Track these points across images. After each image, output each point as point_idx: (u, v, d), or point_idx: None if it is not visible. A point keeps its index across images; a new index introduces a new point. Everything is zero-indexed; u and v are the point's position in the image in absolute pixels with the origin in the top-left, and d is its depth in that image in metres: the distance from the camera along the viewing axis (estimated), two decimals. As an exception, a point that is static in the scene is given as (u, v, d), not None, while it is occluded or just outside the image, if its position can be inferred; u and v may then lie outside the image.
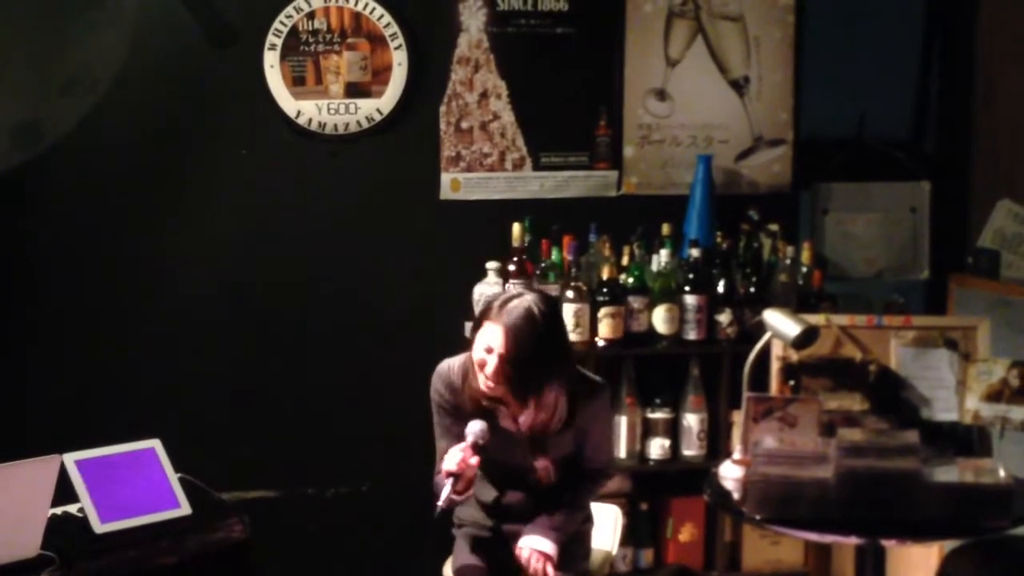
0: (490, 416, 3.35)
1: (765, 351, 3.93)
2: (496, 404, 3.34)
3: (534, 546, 3.35)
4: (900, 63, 5.12)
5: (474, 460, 3.26)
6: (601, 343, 4.37)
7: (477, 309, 3.66)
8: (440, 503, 3.24)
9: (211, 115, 4.44)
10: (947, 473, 3.40)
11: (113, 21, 4.30)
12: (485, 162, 4.61)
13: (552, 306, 3.34)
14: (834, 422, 3.74)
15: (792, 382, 3.92)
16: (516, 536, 3.46)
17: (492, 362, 3.23)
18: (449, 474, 3.24)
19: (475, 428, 3.29)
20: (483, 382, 3.27)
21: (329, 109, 4.46)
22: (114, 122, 4.35)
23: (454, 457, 3.25)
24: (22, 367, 4.35)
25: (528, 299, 3.26)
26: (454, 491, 3.23)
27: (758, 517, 3.42)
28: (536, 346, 3.22)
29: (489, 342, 3.23)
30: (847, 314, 4.07)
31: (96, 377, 4.38)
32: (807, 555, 4.60)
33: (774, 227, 4.67)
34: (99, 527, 3.16)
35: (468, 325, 3.89)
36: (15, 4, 4.23)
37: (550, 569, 3.32)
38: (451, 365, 3.42)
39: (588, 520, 3.60)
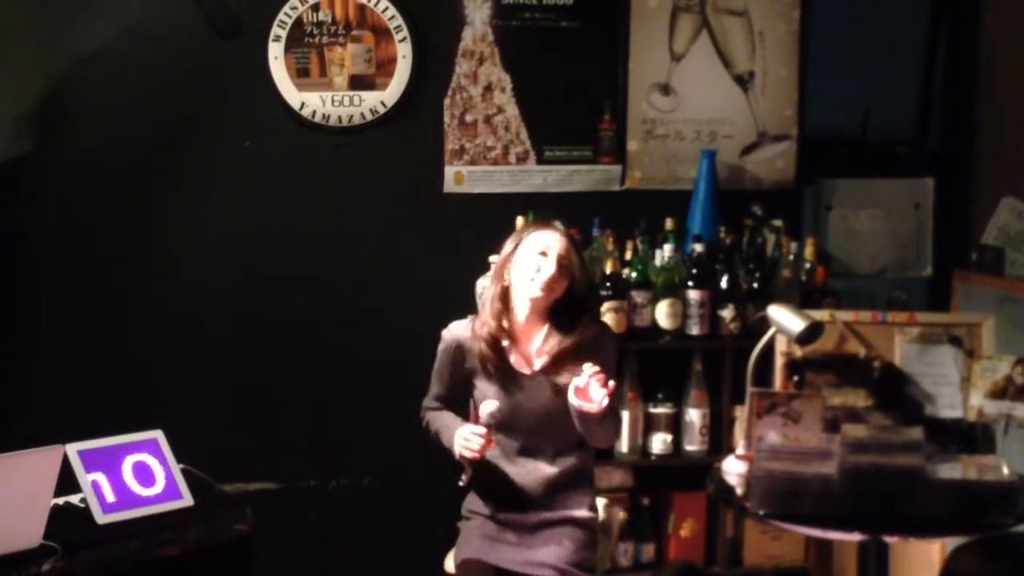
0: (500, 357, 3.54)
1: (768, 346, 3.93)
2: (498, 351, 3.53)
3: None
4: (905, 59, 5.13)
5: (492, 444, 3.47)
6: (604, 337, 4.37)
7: (480, 286, 3.79)
8: (463, 482, 3.51)
9: (215, 106, 4.43)
10: (951, 470, 3.39)
11: (118, 11, 4.29)
12: (489, 155, 4.60)
13: None
14: (838, 418, 3.73)
15: (796, 378, 3.92)
16: (523, 528, 3.52)
17: (549, 264, 3.46)
18: (466, 458, 3.46)
19: (489, 409, 3.45)
20: (537, 286, 3.46)
21: (333, 101, 4.45)
22: (117, 113, 4.34)
23: (472, 442, 3.43)
24: (25, 357, 4.34)
25: None
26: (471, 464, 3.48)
27: (761, 512, 3.41)
28: (579, 253, 3.57)
29: (545, 244, 3.48)
30: (850, 310, 4.07)
31: (99, 368, 4.37)
32: (808, 551, 4.60)
33: (778, 223, 4.67)
34: (101, 518, 3.15)
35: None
36: (19, -7, 4.24)
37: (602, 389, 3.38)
38: (461, 323, 3.65)
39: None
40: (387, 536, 4.60)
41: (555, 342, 3.51)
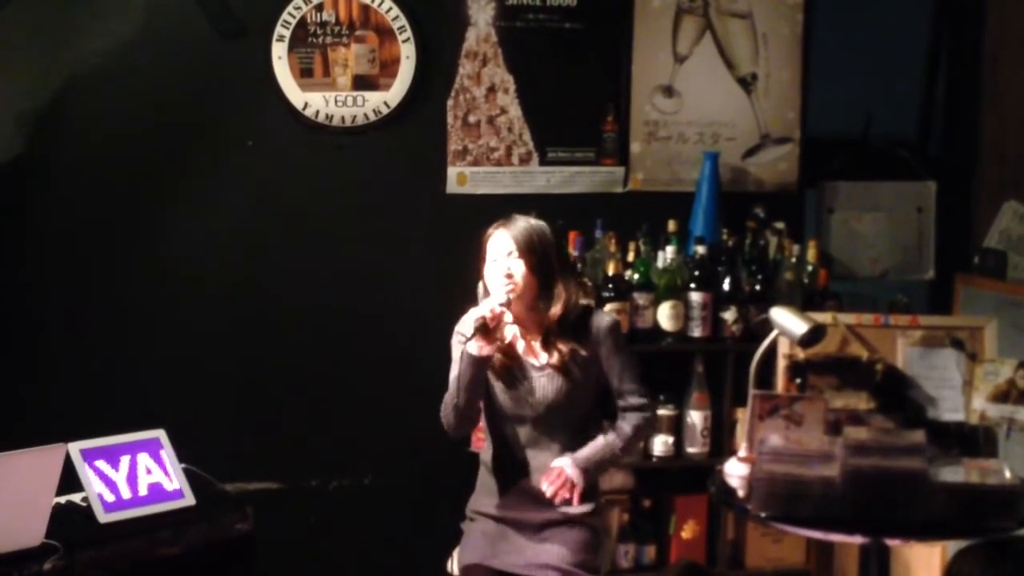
0: (506, 352, 3.53)
1: (771, 349, 3.93)
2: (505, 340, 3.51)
3: (563, 466, 3.49)
4: (907, 62, 5.13)
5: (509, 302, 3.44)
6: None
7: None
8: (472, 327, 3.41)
9: (218, 106, 4.43)
10: (953, 473, 3.39)
11: (121, 10, 4.29)
12: (492, 156, 4.60)
13: (541, 221, 3.60)
14: (840, 421, 3.72)
15: (798, 380, 3.91)
16: (527, 528, 3.52)
17: (507, 261, 3.46)
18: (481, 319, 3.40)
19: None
20: (504, 287, 3.44)
21: (336, 101, 4.45)
22: (120, 112, 4.35)
23: (489, 303, 3.43)
24: (28, 356, 4.35)
25: (520, 215, 3.56)
26: (485, 338, 3.40)
27: (763, 515, 3.40)
28: (541, 238, 3.51)
29: (495, 253, 3.48)
30: (853, 313, 4.07)
31: (101, 367, 4.38)
32: (809, 553, 4.60)
33: (780, 225, 4.67)
34: (103, 516, 3.16)
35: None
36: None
37: (575, 496, 3.47)
38: (470, 317, 3.59)
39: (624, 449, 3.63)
40: (387, 536, 4.60)
41: (542, 326, 3.53)
